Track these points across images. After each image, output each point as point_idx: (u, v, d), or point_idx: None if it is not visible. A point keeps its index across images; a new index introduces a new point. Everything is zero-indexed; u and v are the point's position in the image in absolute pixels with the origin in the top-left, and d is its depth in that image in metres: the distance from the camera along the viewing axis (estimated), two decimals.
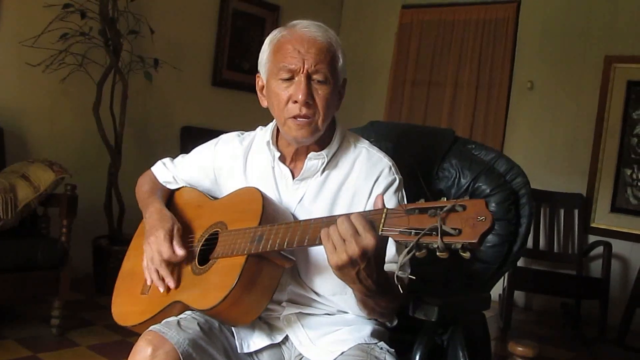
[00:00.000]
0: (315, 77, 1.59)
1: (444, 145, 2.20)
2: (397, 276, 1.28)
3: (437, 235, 1.17)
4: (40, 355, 3.16)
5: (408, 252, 1.22)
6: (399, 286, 1.31)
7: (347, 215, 1.34)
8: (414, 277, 1.28)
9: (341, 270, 1.36)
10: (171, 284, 1.65)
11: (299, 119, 1.60)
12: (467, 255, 1.16)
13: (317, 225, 1.41)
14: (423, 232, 1.20)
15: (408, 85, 5.93)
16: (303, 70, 1.58)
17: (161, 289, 1.66)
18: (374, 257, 1.34)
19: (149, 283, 1.69)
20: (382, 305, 1.51)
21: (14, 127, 4.10)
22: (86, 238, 4.26)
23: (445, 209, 1.19)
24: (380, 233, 1.30)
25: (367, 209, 1.64)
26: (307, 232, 1.43)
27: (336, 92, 1.66)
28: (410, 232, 1.22)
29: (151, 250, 1.68)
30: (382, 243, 1.35)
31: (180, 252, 1.66)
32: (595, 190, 5.10)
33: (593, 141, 5.11)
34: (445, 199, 1.24)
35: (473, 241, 1.14)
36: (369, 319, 1.65)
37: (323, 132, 1.66)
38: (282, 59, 1.61)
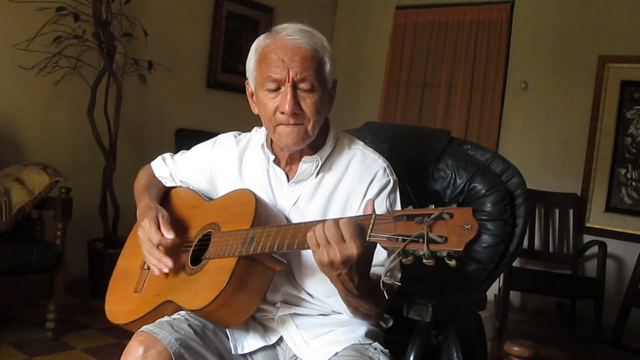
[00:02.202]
0: (301, 85, 1.58)
1: (440, 146, 2.20)
2: (383, 282, 1.28)
3: (424, 242, 1.18)
4: (35, 359, 3.15)
5: (394, 259, 1.23)
6: (385, 292, 1.32)
7: (336, 220, 1.34)
8: (400, 284, 1.30)
9: (323, 267, 1.38)
10: (168, 263, 1.64)
11: (287, 127, 1.60)
12: (452, 263, 1.17)
13: (308, 228, 1.41)
14: (409, 239, 1.21)
15: (402, 86, 5.94)
16: (289, 80, 1.57)
17: (165, 270, 1.65)
18: (356, 265, 1.35)
19: (156, 272, 1.68)
20: (366, 307, 1.52)
21: (8, 131, 4.09)
22: (81, 241, 4.25)
23: (432, 216, 1.20)
24: (368, 239, 1.31)
25: (360, 211, 1.64)
26: (297, 235, 1.43)
27: (326, 96, 1.65)
28: (398, 238, 1.24)
29: (143, 242, 1.69)
30: (367, 250, 1.35)
31: (169, 235, 1.66)
32: (590, 190, 5.11)
33: (587, 141, 5.13)
34: (433, 205, 1.24)
35: (458, 249, 1.15)
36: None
37: (315, 136, 1.66)
38: (267, 70, 1.60)
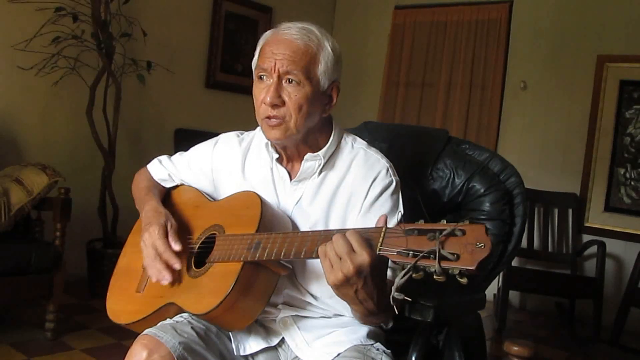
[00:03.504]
0: (286, 77, 1.59)
1: (438, 146, 2.19)
2: (393, 297, 1.27)
3: (435, 259, 1.17)
4: (35, 359, 3.15)
5: (405, 274, 1.22)
6: (395, 307, 1.31)
7: (343, 233, 1.34)
8: (410, 299, 1.29)
9: (339, 289, 1.36)
10: (167, 277, 1.61)
11: (270, 120, 1.61)
12: (464, 280, 1.16)
13: (315, 237, 1.41)
14: (421, 255, 1.20)
15: (401, 86, 5.93)
16: (274, 71, 1.58)
17: (164, 282, 1.62)
18: (371, 276, 1.33)
19: (154, 280, 1.65)
20: (381, 319, 1.53)
21: (7, 131, 4.09)
22: (80, 241, 4.25)
23: (444, 232, 1.19)
24: (378, 252, 1.30)
25: (367, 217, 1.64)
26: (305, 244, 1.42)
27: (316, 95, 1.63)
28: (408, 253, 1.22)
29: (146, 247, 1.66)
30: (380, 262, 1.34)
31: (176, 246, 1.63)
32: (589, 189, 5.11)
33: (586, 141, 5.13)
34: (445, 220, 1.23)
35: (471, 268, 1.14)
36: None
37: (302, 133, 1.65)
38: (260, 61, 1.63)
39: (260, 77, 1.63)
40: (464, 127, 5.57)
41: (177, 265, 1.61)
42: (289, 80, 1.59)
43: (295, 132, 1.62)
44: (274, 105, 1.59)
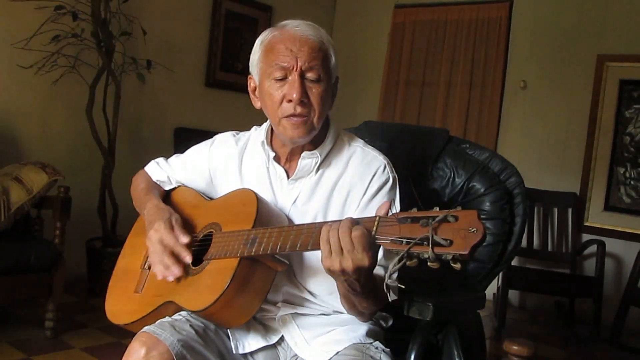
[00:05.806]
0: (308, 75, 1.58)
1: (438, 145, 2.20)
2: (386, 284, 1.28)
3: (428, 245, 1.18)
4: (34, 358, 3.15)
5: (399, 261, 1.22)
6: (389, 294, 1.32)
7: (349, 229, 1.32)
8: (403, 286, 1.29)
9: (331, 273, 1.37)
10: (176, 272, 1.59)
11: (294, 118, 1.59)
12: (457, 266, 1.16)
13: (311, 230, 1.41)
14: (414, 241, 1.21)
15: (401, 85, 5.93)
16: (296, 69, 1.57)
17: (170, 279, 1.60)
18: (366, 271, 1.35)
19: (159, 277, 1.62)
20: (364, 305, 1.52)
21: (6, 130, 4.08)
22: (80, 240, 4.25)
23: (437, 219, 1.20)
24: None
25: (365, 213, 1.63)
26: (300, 237, 1.43)
27: (330, 90, 1.65)
28: (402, 241, 1.23)
29: (152, 244, 1.64)
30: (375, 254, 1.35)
31: (184, 239, 1.62)
32: (589, 189, 5.11)
33: (586, 140, 5.12)
34: (438, 208, 1.24)
35: (464, 252, 1.15)
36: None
37: (319, 130, 1.65)
38: (275, 58, 1.60)
39: (277, 76, 1.60)
40: (464, 126, 5.57)
41: (187, 258, 1.60)
42: (310, 77, 1.59)
43: (317, 128, 1.63)
44: (301, 102, 1.57)
